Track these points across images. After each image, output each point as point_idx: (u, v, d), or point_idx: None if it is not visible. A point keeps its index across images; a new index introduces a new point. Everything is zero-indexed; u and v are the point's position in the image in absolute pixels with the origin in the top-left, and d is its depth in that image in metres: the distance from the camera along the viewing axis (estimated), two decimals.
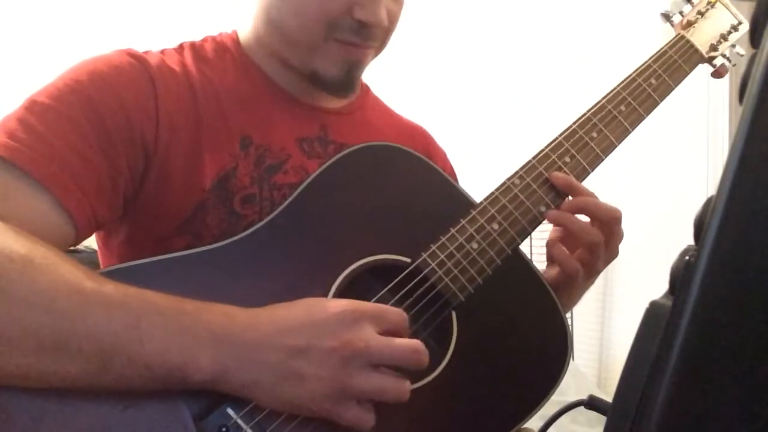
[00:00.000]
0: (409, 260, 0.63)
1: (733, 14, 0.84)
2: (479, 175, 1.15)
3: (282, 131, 0.74)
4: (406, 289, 0.62)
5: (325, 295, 0.60)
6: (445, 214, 0.66)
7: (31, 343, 0.48)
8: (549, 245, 0.73)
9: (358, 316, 0.54)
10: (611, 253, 0.72)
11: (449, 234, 0.64)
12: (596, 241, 0.69)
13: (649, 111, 0.76)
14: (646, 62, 0.78)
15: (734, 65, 0.85)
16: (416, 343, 0.54)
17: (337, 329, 0.53)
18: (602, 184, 0.81)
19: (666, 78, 0.77)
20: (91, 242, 0.74)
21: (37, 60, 2.36)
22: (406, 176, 0.68)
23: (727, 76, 0.85)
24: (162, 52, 0.74)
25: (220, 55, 0.76)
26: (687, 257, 0.31)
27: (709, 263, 0.29)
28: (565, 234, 0.72)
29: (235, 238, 0.61)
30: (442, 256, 0.63)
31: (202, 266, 0.60)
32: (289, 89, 0.77)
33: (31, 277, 0.49)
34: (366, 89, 0.88)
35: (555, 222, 0.70)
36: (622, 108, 0.74)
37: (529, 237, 0.69)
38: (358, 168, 0.67)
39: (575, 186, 0.70)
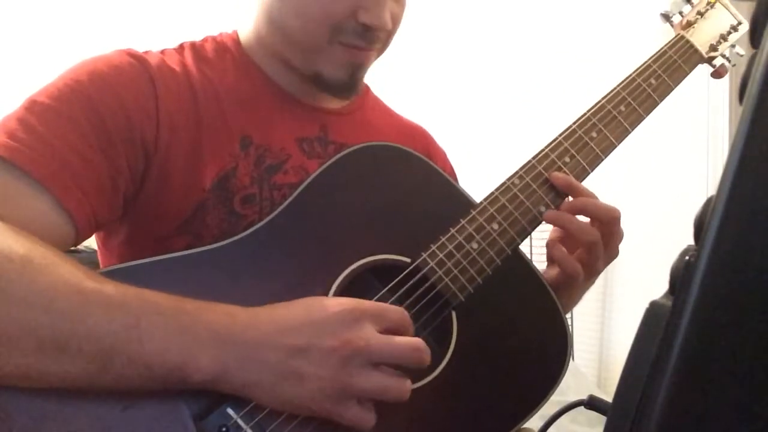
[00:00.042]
0: (409, 260, 0.63)
1: (732, 14, 0.84)
2: (479, 175, 1.15)
3: (282, 131, 0.74)
4: (406, 288, 0.62)
5: (326, 294, 0.60)
6: (445, 214, 0.66)
7: (31, 343, 0.48)
8: (549, 245, 0.73)
9: (358, 314, 0.54)
10: (611, 253, 0.72)
11: (449, 234, 0.64)
12: (595, 241, 0.69)
13: (648, 111, 0.76)
14: (645, 62, 0.78)
15: (734, 65, 0.85)
16: (417, 341, 0.54)
17: (337, 328, 0.52)
18: (602, 184, 0.81)
19: (666, 78, 0.77)
20: (91, 242, 0.74)
21: (37, 60, 2.36)
22: (406, 176, 0.68)
23: (727, 76, 0.85)
24: (162, 52, 0.74)
25: (220, 55, 0.76)
26: (687, 257, 0.31)
27: (709, 263, 0.29)
28: (565, 234, 0.72)
29: (235, 238, 0.61)
30: (441, 256, 0.63)
31: (202, 266, 0.60)
32: (290, 89, 0.77)
33: (31, 277, 0.49)
34: (366, 89, 0.88)
35: (553, 222, 0.70)
36: (622, 108, 0.74)
37: (529, 237, 0.69)
38: (358, 168, 0.67)
39: (575, 186, 0.70)
